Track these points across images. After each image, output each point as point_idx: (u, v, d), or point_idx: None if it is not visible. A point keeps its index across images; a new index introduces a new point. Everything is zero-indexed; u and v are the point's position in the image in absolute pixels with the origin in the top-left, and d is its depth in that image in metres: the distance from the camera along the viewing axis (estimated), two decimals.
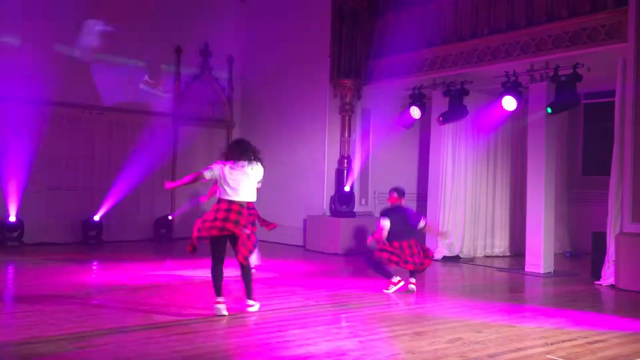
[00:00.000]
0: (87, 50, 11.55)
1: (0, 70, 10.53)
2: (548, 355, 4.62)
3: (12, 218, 10.55)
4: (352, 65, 11.30)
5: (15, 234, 10.54)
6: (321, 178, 11.70)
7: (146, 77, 12.28)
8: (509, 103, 9.20)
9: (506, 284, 8.58)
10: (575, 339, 5.14)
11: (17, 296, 6.51)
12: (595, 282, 8.23)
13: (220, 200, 5.65)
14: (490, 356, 4.55)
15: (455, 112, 10.14)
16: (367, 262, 7.43)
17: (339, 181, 11.37)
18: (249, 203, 5.87)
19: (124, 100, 12.06)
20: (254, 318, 5.58)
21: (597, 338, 5.21)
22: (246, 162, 5.68)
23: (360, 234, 11.02)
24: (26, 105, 10.76)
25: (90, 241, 11.24)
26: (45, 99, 10.88)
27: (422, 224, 7.31)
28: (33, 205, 10.90)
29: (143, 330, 5.01)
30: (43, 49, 10.95)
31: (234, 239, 5.59)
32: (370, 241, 7.39)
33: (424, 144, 12.00)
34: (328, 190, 11.57)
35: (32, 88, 10.71)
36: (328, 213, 11.40)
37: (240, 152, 5.72)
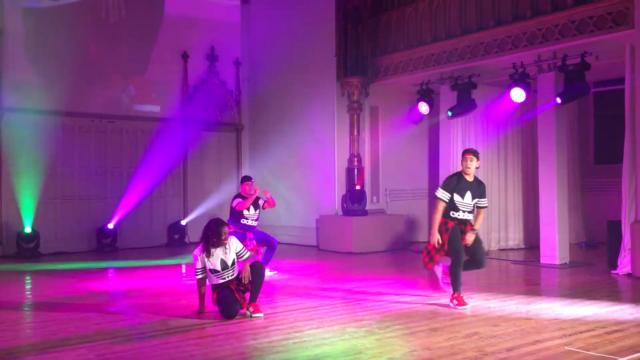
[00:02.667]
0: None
1: (12, 81, 10.65)
2: (566, 347, 4.60)
3: (28, 229, 10.66)
4: (358, 64, 11.30)
5: (31, 245, 10.64)
6: (332, 177, 11.71)
7: (144, 76, 12.29)
8: (518, 95, 9.16)
9: (522, 276, 8.53)
10: (593, 330, 5.11)
11: (35, 306, 6.57)
12: (612, 272, 8.18)
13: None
14: (508, 350, 4.54)
15: (463, 106, 10.11)
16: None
17: (350, 180, 11.37)
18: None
19: (133, 108, 12.15)
20: (269, 320, 5.59)
21: (615, 328, 5.17)
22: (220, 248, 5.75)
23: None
24: (38, 116, 10.86)
25: (105, 249, 11.33)
26: (56, 109, 10.97)
27: None
28: (47, 215, 11.01)
29: (161, 336, 5.05)
30: (54, 60, 11.05)
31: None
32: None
33: (433, 139, 11.97)
34: (339, 189, 11.57)
35: (42, 99, 10.80)
36: (340, 212, 11.41)
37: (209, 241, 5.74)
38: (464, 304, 6.03)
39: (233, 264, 5.78)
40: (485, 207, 6.33)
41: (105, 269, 9.26)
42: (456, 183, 6.13)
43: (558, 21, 8.60)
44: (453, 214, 6.13)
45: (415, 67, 10.65)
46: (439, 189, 6.19)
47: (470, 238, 6.14)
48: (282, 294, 6.90)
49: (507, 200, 11.27)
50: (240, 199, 8.09)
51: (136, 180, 11.95)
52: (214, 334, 5.11)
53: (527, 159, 11.43)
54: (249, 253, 5.95)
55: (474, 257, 6.26)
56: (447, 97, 10.49)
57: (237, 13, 13.56)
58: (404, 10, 10.92)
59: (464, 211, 6.15)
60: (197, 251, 5.78)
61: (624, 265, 8.04)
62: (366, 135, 11.77)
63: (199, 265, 5.77)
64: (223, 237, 5.71)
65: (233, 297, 5.68)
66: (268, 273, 8.17)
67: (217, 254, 5.74)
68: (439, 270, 6.44)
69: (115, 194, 11.75)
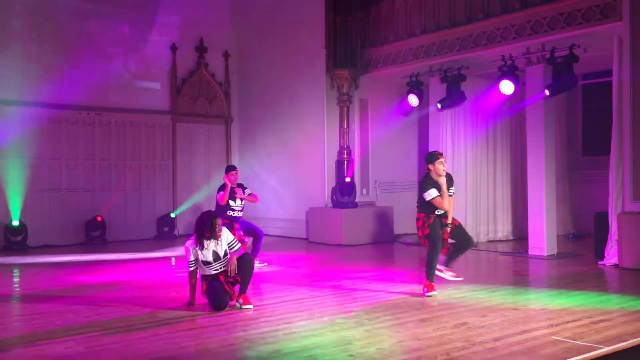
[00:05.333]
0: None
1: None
2: (553, 337, 4.64)
3: (16, 221, 10.58)
4: (347, 56, 11.28)
5: (19, 238, 10.57)
6: (321, 170, 11.70)
7: (132, 68, 12.20)
8: (507, 87, 9.18)
9: (510, 267, 8.59)
10: (579, 319, 5.16)
11: (23, 298, 6.54)
12: (599, 262, 8.26)
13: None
14: (495, 339, 4.57)
15: (453, 98, 10.13)
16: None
17: (340, 172, 11.38)
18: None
19: (121, 100, 12.06)
20: (259, 311, 5.60)
21: (601, 317, 5.23)
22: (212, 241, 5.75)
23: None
24: (25, 108, 10.77)
25: (94, 241, 11.29)
26: (44, 101, 10.89)
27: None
28: (35, 207, 10.94)
29: (150, 327, 5.04)
30: (42, 52, 10.95)
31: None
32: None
33: (423, 131, 11.99)
34: (329, 181, 11.58)
35: (30, 91, 10.71)
36: (330, 204, 11.42)
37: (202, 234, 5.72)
38: (432, 289, 6.22)
39: (225, 255, 5.77)
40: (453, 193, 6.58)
41: (94, 262, 9.22)
42: (435, 183, 6.35)
43: (546, 13, 8.63)
44: (437, 211, 6.35)
45: (405, 59, 10.65)
46: (428, 191, 6.30)
47: (448, 229, 6.42)
48: (272, 286, 6.90)
49: (496, 192, 11.33)
50: (222, 192, 8.07)
51: (125, 173, 11.90)
52: (204, 326, 5.11)
53: (516, 151, 11.49)
54: (239, 245, 5.95)
55: (461, 238, 6.52)
56: (437, 89, 10.50)
57: (227, 4, 13.48)
58: (393, 3, 10.90)
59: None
60: (189, 243, 5.77)
61: (611, 256, 8.12)
62: (356, 127, 11.77)
63: (191, 257, 5.76)
64: (217, 230, 5.70)
65: (222, 289, 5.68)
66: (258, 265, 8.19)
67: (210, 245, 5.73)
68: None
69: (104, 187, 11.70)
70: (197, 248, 5.73)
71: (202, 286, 5.80)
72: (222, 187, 8.15)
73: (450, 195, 6.42)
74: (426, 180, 6.41)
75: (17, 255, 9.80)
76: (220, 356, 4.29)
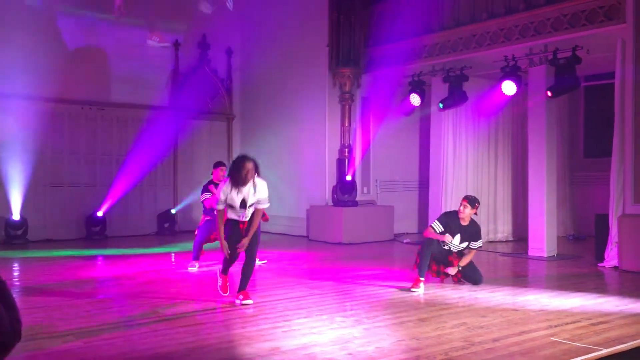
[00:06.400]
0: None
1: (1, 67, 10.54)
2: (552, 338, 4.64)
3: (16, 216, 10.59)
4: (350, 54, 11.28)
5: (19, 232, 10.58)
6: (323, 168, 11.70)
7: (135, 64, 12.16)
8: (509, 87, 9.18)
9: (510, 268, 8.59)
10: (579, 321, 5.16)
11: (24, 292, 6.55)
12: (599, 264, 8.25)
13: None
14: (494, 340, 4.58)
15: (455, 98, 10.12)
16: None
17: (341, 170, 11.38)
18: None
19: (124, 95, 12.05)
20: (258, 308, 5.61)
21: (600, 319, 5.23)
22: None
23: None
24: (27, 103, 10.77)
25: (95, 237, 11.29)
26: (46, 96, 10.89)
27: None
28: (36, 202, 10.95)
29: (149, 323, 5.04)
30: (43, 46, 10.95)
31: None
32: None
33: (424, 131, 11.99)
34: (330, 180, 11.58)
35: (32, 85, 10.71)
36: (330, 203, 11.42)
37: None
38: (417, 287, 6.35)
39: (251, 206, 5.65)
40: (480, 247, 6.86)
41: (95, 257, 9.23)
42: (449, 221, 6.60)
43: (550, 14, 8.62)
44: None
45: (408, 58, 10.64)
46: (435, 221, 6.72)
47: (452, 271, 6.67)
48: (272, 283, 6.91)
49: (497, 192, 11.34)
50: (206, 194, 7.75)
51: (126, 168, 11.89)
52: (203, 322, 5.12)
53: (517, 152, 11.49)
54: (268, 205, 5.79)
55: (471, 278, 6.78)
56: (439, 89, 10.50)
57: (230, 0, 13.46)
58: (397, 1, 10.89)
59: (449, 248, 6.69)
60: (222, 184, 5.69)
61: (611, 258, 8.12)
62: (357, 126, 11.77)
63: (222, 196, 5.60)
64: (243, 173, 5.45)
65: (239, 235, 5.63)
66: (258, 262, 8.19)
67: (241, 191, 5.57)
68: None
69: (105, 182, 11.69)
70: (229, 187, 5.56)
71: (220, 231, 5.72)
72: (210, 183, 7.86)
73: (471, 249, 6.65)
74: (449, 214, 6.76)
75: (18, 250, 9.80)
76: (219, 353, 4.30)
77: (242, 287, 5.72)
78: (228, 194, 5.58)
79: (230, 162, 5.74)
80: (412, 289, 6.34)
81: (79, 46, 11.49)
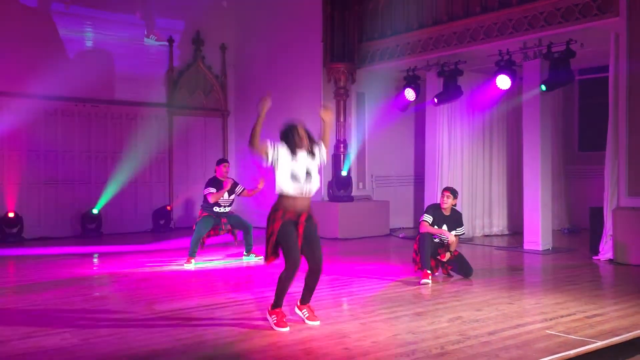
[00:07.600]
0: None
1: None
2: (547, 331, 4.67)
3: (12, 213, 10.55)
4: (344, 49, 11.26)
5: (14, 229, 10.55)
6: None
7: (129, 60, 12.11)
8: (503, 82, 9.19)
9: (505, 262, 8.62)
10: (574, 314, 5.19)
11: (19, 290, 6.53)
12: (594, 257, 8.29)
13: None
14: (490, 334, 4.60)
15: (449, 92, 10.13)
16: None
17: (336, 166, 11.38)
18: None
19: (117, 92, 12.01)
20: (255, 304, 5.61)
21: (595, 312, 5.26)
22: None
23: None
24: (21, 100, 10.72)
25: (90, 234, 11.26)
26: (39, 93, 10.84)
27: None
28: (31, 199, 10.92)
29: (145, 320, 5.04)
30: (37, 43, 10.89)
31: None
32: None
33: (419, 125, 12.00)
34: (325, 175, 11.57)
35: (26, 82, 10.66)
36: (326, 198, 11.43)
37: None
38: (426, 278, 6.52)
39: (314, 174, 4.68)
40: (463, 234, 7.11)
41: (90, 254, 9.21)
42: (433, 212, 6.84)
43: (544, 8, 8.62)
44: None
45: (402, 53, 10.64)
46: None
47: (447, 257, 6.86)
48: (267, 279, 6.91)
49: (492, 186, 11.37)
50: (211, 188, 7.89)
51: (121, 165, 11.86)
52: (200, 318, 5.11)
53: (512, 146, 11.51)
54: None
55: (462, 270, 6.94)
56: (433, 84, 10.50)
57: None
58: None
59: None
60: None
61: (606, 251, 8.15)
62: (352, 121, 11.76)
63: (270, 151, 4.76)
64: (298, 136, 4.68)
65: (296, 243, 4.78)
66: (254, 258, 8.20)
67: (302, 157, 4.65)
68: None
69: (100, 179, 11.67)
70: (285, 148, 4.70)
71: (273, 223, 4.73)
72: (213, 183, 8.00)
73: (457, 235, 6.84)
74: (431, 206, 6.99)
75: (13, 247, 9.78)
76: (215, 349, 4.30)
77: (307, 300, 4.97)
78: (289, 161, 4.66)
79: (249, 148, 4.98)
80: (422, 282, 6.49)
81: (73, 43, 11.43)
